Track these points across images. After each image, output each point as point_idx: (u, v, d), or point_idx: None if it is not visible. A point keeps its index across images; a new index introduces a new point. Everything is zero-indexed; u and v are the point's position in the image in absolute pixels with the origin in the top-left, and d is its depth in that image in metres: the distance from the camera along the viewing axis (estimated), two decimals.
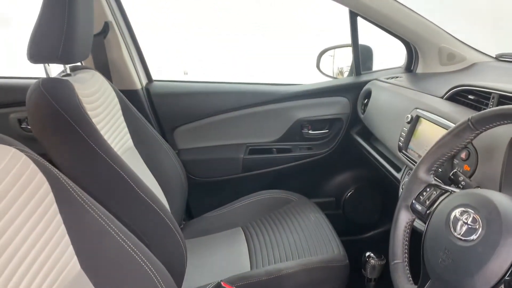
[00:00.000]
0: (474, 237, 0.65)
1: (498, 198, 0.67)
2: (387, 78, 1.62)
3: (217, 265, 1.32)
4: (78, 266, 0.76)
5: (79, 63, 1.28)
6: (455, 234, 0.68)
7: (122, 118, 1.36)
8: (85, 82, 1.19)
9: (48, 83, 1.04)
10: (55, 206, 0.75)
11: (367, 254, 1.12)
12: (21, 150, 0.72)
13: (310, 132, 1.80)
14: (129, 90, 1.61)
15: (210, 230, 1.53)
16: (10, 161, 0.68)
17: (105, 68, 1.57)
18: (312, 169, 1.85)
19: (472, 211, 0.68)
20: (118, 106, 1.35)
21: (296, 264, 1.21)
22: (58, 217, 0.75)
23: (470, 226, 0.67)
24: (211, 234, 1.51)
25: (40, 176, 0.73)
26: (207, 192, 1.82)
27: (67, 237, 0.76)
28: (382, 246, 1.25)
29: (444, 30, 1.56)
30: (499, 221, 0.63)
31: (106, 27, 1.53)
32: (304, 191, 1.70)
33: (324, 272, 1.22)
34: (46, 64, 1.14)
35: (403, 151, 1.21)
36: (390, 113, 1.40)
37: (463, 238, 0.67)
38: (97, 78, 1.29)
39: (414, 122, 1.19)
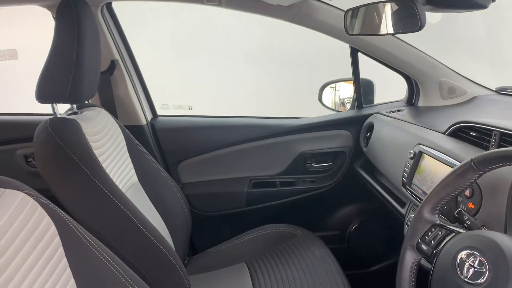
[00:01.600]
0: (481, 280, 0.65)
1: (504, 241, 0.67)
2: (389, 112, 1.63)
3: None
4: None
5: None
6: (462, 277, 0.68)
7: (127, 154, 1.37)
8: (91, 120, 1.21)
9: (55, 123, 1.06)
10: (61, 249, 0.75)
11: None
12: (29, 194, 0.73)
13: (313, 165, 1.81)
14: (134, 126, 1.63)
15: (214, 266, 1.51)
16: (19, 205, 0.69)
17: (110, 104, 1.59)
18: (316, 202, 1.85)
19: (479, 254, 0.67)
20: (124, 142, 1.37)
21: None
22: (64, 260, 0.75)
23: (477, 270, 0.66)
24: (215, 270, 1.49)
25: (47, 220, 0.74)
26: (210, 226, 1.81)
27: (72, 280, 0.76)
28: (388, 280, 1.24)
29: (444, 65, 1.59)
30: (506, 265, 0.63)
31: (113, 65, 1.57)
32: (308, 224, 1.68)
33: None
34: (54, 104, 1.16)
35: (407, 186, 1.21)
36: (393, 147, 1.41)
37: (470, 281, 0.66)
38: (103, 116, 1.31)
39: (417, 157, 1.19)
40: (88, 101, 1.42)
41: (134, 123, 1.65)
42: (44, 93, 1.10)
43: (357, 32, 1.13)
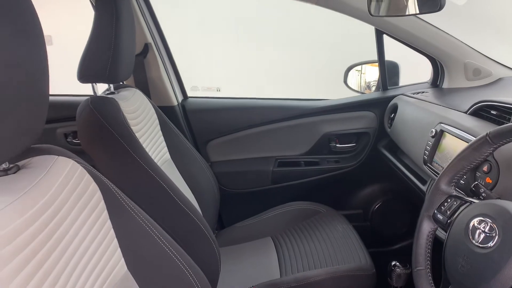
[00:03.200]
0: (491, 244, 0.70)
1: None
2: (413, 93, 1.66)
3: (248, 273, 1.38)
4: (125, 268, 0.84)
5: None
6: (474, 241, 0.73)
7: (160, 132, 1.46)
8: (128, 100, 1.29)
9: (96, 101, 1.15)
10: (105, 213, 0.84)
11: (393, 263, 1.16)
12: (78, 162, 0.81)
13: (337, 145, 1.85)
14: (166, 106, 1.72)
15: (240, 240, 1.59)
16: (69, 172, 0.77)
17: (144, 86, 1.68)
18: (340, 182, 1.90)
19: (490, 220, 0.72)
20: (157, 121, 1.45)
21: (324, 272, 1.26)
22: (108, 222, 0.84)
23: (487, 234, 0.71)
24: (242, 243, 1.57)
25: (93, 185, 0.82)
26: (237, 203, 1.89)
27: (115, 241, 0.84)
28: (408, 256, 1.29)
29: (469, 46, 1.59)
30: None
31: (146, 48, 1.66)
32: (332, 203, 1.74)
33: (351, 281, 1.26)
34: (94, 83, 1.25)
35: (428, 164, 1.25)
36: (415, 127, 1.44)
37: (481, 245, 0.71)
38: (138, 96, 1.40)
39: (439, 136, 1.23)
40: (123, 83, 1.51)
41: (166, 103, 1.74)
42: (85, 74, 1.19)
43: (380, 13, 1.17)
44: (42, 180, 0.69)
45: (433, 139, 1.25)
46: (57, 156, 0.78)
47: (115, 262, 0.83)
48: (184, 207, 1.17)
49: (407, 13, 1.05)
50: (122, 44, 1.19)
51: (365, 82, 2.12)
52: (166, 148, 1.47)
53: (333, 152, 1.87)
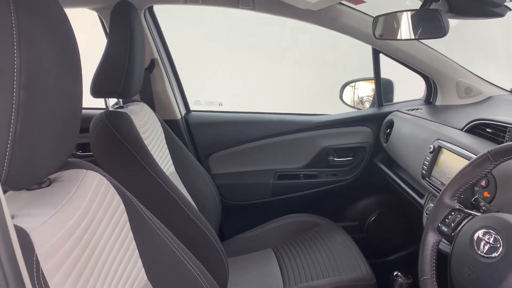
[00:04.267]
0: (495, 254, 0.75)
1: None
2: (408, 110, 1.73)
3: (252, 284, 1.42)
4: (145, 277, 0.88)
5: None
6: (479, 252, 0.78)
7: (165, 146, 1.49)
8: (138, 114, 1.33)
9: (111, 116, 1.19)
10: (128, 225, 0.87)
11: (395, 273, 1.21)
12: (104, 176, 0.85)
13: (335, 159, 1.91)
14: (170, 120, 1.76)
15: (242, 251, 1.63)
16: (97, 185, 0.81)
17: (150, 100, 1.72)
18: (337, 194, 1.96)
19: (494, 232, 0.78)
20: (163, 135, 1.49)
21: (328, 282, 1.31)
22: (131, 234, 0.87)
23: (492, 245, 0.77)
24: (244, 255, 1.61)
25: (117, 198, 0.86)
26: (238, 214, 1.93)
27: (137, 252, 0.88)
28: (407, 266, 1.34)
29: (461, 66, 1.68)
30: None
31: (153, 64, 1.70)
32: (330, 215, 1.79)
33: None
34: (106, 98, 1.28)
35: (427, 178, 1.32)
36: (413, 143, 1.51)
37: (486, 255, 0.77)
38: (146, 110, 1.44)
39: (436, 152, 1.30)
40: None
41: (171, 117, 1.78)
42: (99, 89, 1.23)
43: (385, 36, 1.24)
44: (76, 193, 0.73)
45: (431, 154, 1.31)
46: (86, 170, 0.81)
47: (137, 272, 0.86)
48: (194, 218, 1.21)
49: (411, 38, 1.11)
50: (135, 61, 1.23)
51: (358, 97, 2.19)
52: (171, 161, 1.50)
53: (331, 165, 1.92)
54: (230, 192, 1.90)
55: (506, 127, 1.12)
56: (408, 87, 2.01)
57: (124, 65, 1.20)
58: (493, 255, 0.76)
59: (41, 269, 0.58)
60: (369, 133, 1.88)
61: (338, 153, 1.91)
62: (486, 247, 0.78)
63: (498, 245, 0.76)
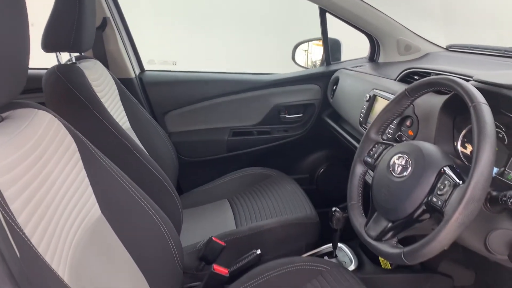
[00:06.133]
0: (405, 173, 0.87)
1: (425, 145, 0.89)
2: (353, 67, 1.84)
3: (207, 227, 1.52)
4: (99, 211, 0.94)
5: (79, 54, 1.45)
6: (393, 174, 0.90)
7: (120, 102, 1.54)
8: (90, 69, 1.37)
9: (63, 68, 1.22)
10: (80, 163, 0.93)
11: (333, 209, 1.33)
12: (55, 116, 0.90)
13: (286, 116, 2.01)
14: (124, 79, 1.79)
15: (199, 202, 1.72)
16: (48, 124, 0.86)
17: (103, 58, 1.74)
18: (289, 149, 2.07)
19: (406, 156, 0.90)
20: (117, 91, 1.53)
21: (275, 221, 1.42)
22: (83, 171, 0.93)
23: (403, 167, 0.89)
24: (200, 206, 1.70)
25: (69, 138, 0.91)
26: (195, 170, 2.01)
27: (90, 188, 0.94)
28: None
29: (401, 24, 1.79)
30: (423, 161, 0.85)
31: (104, 22, 1.72)
32: (282, 168, 1.90)
33: (299, 228, 1.44)
34: (58, 53, 1.31)
35: (363, 125, 1.44)
36: (353, 95, 1.63)
37: (398, 176, 0.89)
38: (99, 66, 1.47)
39: (372, 100, 1.41)
40: (82, 54, 1.57)
41: (125, 76, 1.81)
42: (50, 43, 1.25)
43: None
44: (27, 128, 0.78)
45: (367, 103, 1.43)
46: (37, 110, 0.86)
47: (90, 206, 0.92)
48: (150, 167, 1.28)
49: None
50: (85, 14, 1.25)
51: (312, 61, 2.28)
52: (126, 118, 1.54)
53: (283, 122, 2.03)
54: (187, 149, 1.97)
55: (429, 72, 1.24)
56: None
57: (74, 18, 1.22)
58: (403, 174, 0.88)
59: (2, 194, 0.64)
60: (317, 90, 1.99)
61: (289, 110, 2.01)
62: (399, 169, 0.90)
63: (408, 166, 0.88)
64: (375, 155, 1.02)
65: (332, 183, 2.10)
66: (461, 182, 0.78)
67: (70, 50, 1.28)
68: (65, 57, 1.40)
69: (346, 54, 2.07)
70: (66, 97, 1.20)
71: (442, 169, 0.82)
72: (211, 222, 1.55)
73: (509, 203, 0.71)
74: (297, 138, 2.04)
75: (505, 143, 0.89)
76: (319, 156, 2.12)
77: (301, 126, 2.04)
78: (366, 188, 1.08)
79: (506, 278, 1.13)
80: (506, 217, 0.79)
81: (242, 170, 1.85)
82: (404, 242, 0.88)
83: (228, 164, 1.98)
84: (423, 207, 0.83)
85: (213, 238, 1.32)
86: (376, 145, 1.04)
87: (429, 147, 0.88)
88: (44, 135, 0.83)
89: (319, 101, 1.99)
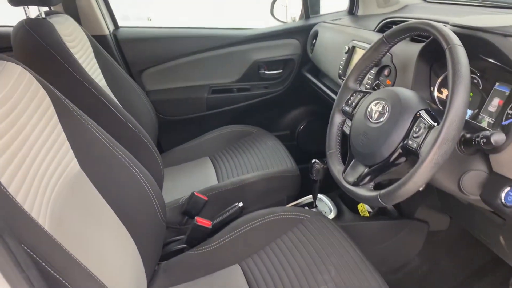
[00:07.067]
0: (382, 119, 0.88)
1: (402, 91, 0.90)
2: (332, 20, 1.82)
3: (189, 184, 1.52)
4: (78, 166, 0.93)
5: (49, 9, 1.39)
6: (371, 120, 0.91)
7: (94, 60, 1.49)
8: (62, 24, 1.32)
9: (31, 22, 1.17)
10: (56, 118, 0.91)
11: (313, 160, 1.35)
12: (26, 69, 0.87)
13: (266, 72, 2.00)
14: (98, 36, 1.73)
15: (180, 161, 1.71)
16: (18, 78, 0.83)
17: (74, 14, 1.67)
18: (269, 106, 2.07)
19: (383, 102, 0.90)
20: (90, 49, 1.49)
21: (257, 175, 1.44)
22: (59, 126, 0.91)
23: (380, 112, 0.90)
24: (182, 164, 1.70)
25: (42, 92, 0.89)
26: (175, 129, 2.00)
27: (67, 143, 0.92)
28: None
29: None
30: (400, 106, 0.86)
31: None
32: (263, 125, 1.90)
33: (280, 181, 1.46)
34: (26, 7, 1.25)
35: (342, 77, 1.44)
36: (332, 48, 1.62)
37: (375, 121, 0.90)
38: (70, 22, 1.42)
39: (351, 52, 1.41)
40: (51, 9, 1.51)
41: (98, 32, 1.75)
42: None
43: None
44: None
45: (346, 54, 1.42)
46: (6, 62, 0.83)
47: (68, 161, 0.91)
48: (125, 121, 1.26)
49: None
50: None
51: (292, 17, 2.24)
52: (101, 75, 1.51)
53: (263, 78, 2.01)
54: (166, 108, 1.95)
55: (407, 21, 1.23)
56: None
57: None
58: (381, 119, 0.89)
59: None
60: (297, 45, 1.96)
61: (268, 66, 1.99)
62: (376, 115, 0.90)
63: (385, 111, 0.89)
64: (353, 104, 1.03)
65: (313, 139, 2.12)
66: (436, 124, 0.79)
67: (38, 3, 1.22)
68: (33, 13, 1.34)
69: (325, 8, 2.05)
70: (37, 52, 1.16)
71: (418, 113, 0.83)
72: (193, 179, 1.56)
73: (482, 143, 0.73)
74: (277, 95, 2.03)
75: (480, 88, 0.91)
76: (299, 112, 2.12)
77: (281, 83, 2.03)
78: (345, 138, 1.10)
79: (477, 220, 1.18)
80: (479, 159, 0.81)
81: (223, 127, 1.85)
82: (380, 187, 0.90)
83: (208, 122, 1.97)
84: (399, 150, 0.84)
85: (195, 193, 1.33)
86: (354, 94, 1.04)
87: (406, 92, 0.89)
88: (15, 88, 0.81)
89: (299, 56, 1.97)
